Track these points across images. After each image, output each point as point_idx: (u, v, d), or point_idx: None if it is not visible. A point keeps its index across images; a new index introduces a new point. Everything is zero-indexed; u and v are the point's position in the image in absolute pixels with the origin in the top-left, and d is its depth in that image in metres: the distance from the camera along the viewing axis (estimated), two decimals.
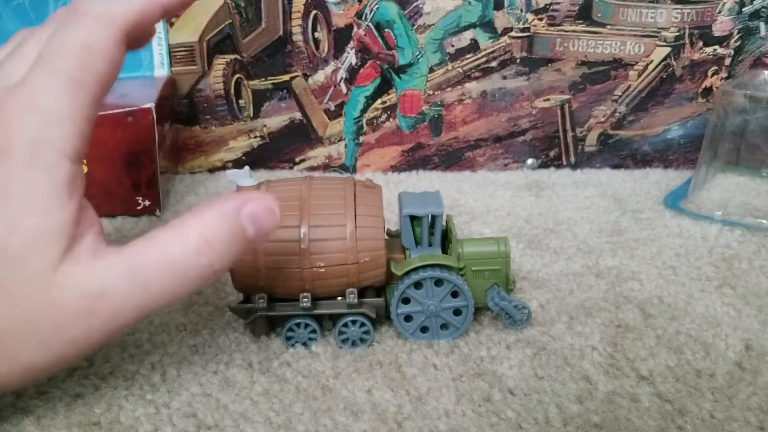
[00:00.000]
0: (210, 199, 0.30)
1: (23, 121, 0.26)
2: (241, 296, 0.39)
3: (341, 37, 0.62)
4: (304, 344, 0.38)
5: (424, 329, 0.38)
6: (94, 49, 0.28)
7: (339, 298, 0.38)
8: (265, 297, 0.37)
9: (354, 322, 0.37)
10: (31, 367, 0.28)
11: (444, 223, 0.39)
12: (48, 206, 0.27)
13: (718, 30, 0.61)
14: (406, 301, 0.37)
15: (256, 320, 0.38)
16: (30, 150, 0.26)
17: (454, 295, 0.37)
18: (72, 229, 0.27)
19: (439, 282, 0.37)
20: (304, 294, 0.36)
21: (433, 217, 0.37)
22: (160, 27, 0.61)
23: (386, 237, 0.39)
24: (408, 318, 0.38)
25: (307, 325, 0.37)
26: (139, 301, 0.28)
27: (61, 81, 0.27)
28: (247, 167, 0.38)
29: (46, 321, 0.27)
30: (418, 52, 0.62)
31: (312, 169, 0.66)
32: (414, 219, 0.37)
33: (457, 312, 0.38)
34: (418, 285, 0.37)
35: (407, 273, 0.37)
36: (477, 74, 0.63)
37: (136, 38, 0.30)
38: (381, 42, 0.62)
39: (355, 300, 0.36)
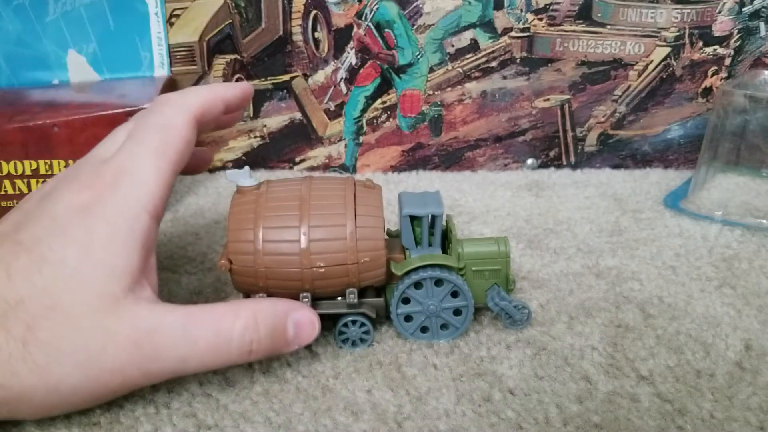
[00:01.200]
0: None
1: (117, 182, 0.32)
2: (241, 296, 0.39)
3: (341, 37, 0.62)
4: None
5: (424, 329, 0.38)
6: (172, 127, 0.34)
7: (339, 298, 0.38)
8: (265, 297, 0.37)
9: (354, 322, 0.37)
10: (58, 387, 0.29)
11: (444, 223, 0.39)
12: (123, 248, 0.31)
13: (718, 30, 0.61)
14: (406, 301, 0.37)
15: None
16: (119, 204, 0.31)
17: (454, 295, 0.37)
18: (138, 273, 0.31)
19: (439, 282, 0.37)
20: (304, 294, 0.36)
21: (433, 217, 0.37)
22: (160, 27, 0.61)
23: (386, 237, 0.39)
24: (408, 318, 0.38)
25: None
26: (183, 351, 0.31)
27: (147, 151, 0.33)
28: (247, 167, 0.38)
29: (95, 343, 0.30)
30: (418, 52, 0.62)
31: (312, 169, 0.66)
32: (414, 219, 0.37)
33: (457, 312, 0.38)
34: (418, 285, 0.37)
35: (407, 273, 0.37)
36: (477, 74, 0.63)
37: (206, 123, 0.36)
38: (381, 42, 0.62)
39: (355, 300, 0.36)
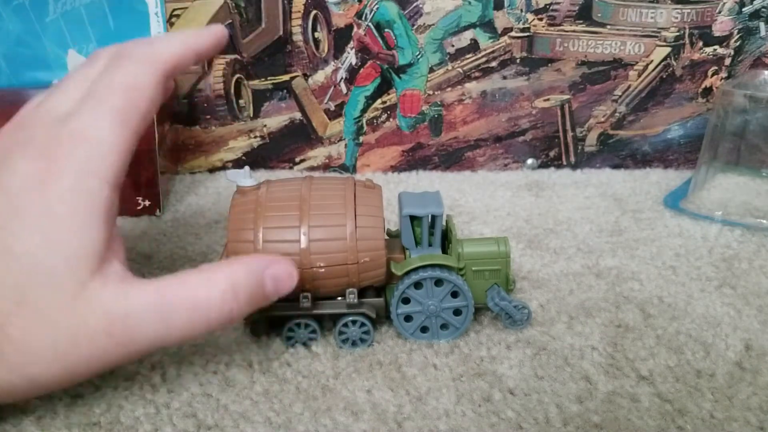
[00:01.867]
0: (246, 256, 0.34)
1: (73, 150, 0.29)
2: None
3: (341, 37, 0.62)
4: (304, 344, 0.38)
5: (424, 329, 0.38)
6: (138, 88, 0.31)
7: (339, 298, 0.38)
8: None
9: (354, 322, 0.37)
10: (36, 380, 0.29)
11: (444, 223, 0.39)
12: (84, 228, 0.29)
13: (718, 30, 0.61)
14: (406, 301, 0.37)
15: (256, 320, 0.38)
16: (77, 176, 0.29)
17: (454, 295, 0.37)
18: (103, 251, 0.29)
19: (439, 282, 0.37)
20: (304, 294, 0.36)
21: (433, 217, 0.37)
22: (160, 27, 0.61)
23: (386, 237, 0.39)
24: (408, 318, 0.38)
25: (307, 325, 0.37)
26: (159, 331, 0.30)
27: (109, 116, 0.30)
28: (247, 167, 0.38)
29: (67, 335, 0.28)
30: (418, 52, 0.62)
31: (312, 169, 0.66)
32: (414, 219, 0.37)
33: (457, 312, 0.38)
34: (418, 285, 0.37)
35: (407, 273, 0.37)
36: (477, 74, 0.63)
37: (173, 77, 0.34)
38: (381, 42, 0.62)
39: (355, 300, 0.36)
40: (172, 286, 0.30)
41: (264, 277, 0.32)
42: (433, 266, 0.37)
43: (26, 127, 0.31)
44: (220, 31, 0.35)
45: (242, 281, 0.31)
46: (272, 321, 0.38)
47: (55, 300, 0.28)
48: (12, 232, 0.28)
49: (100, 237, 0.29)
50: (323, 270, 0.36)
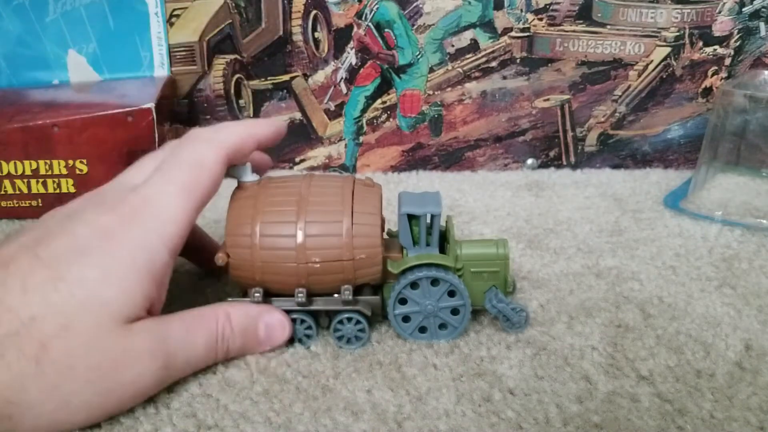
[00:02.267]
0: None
1: (141, 211, 0.32)
2: (232, 293, 0.39)
3: (341, 37, 0.62)
4: (300, 340, 0.38)
5: (422, 329, 0.38)
6: (203, 165, 0.34)
7: (335, 295, 0.38)
8: (261, 291, 0.37)
9: (349, 319, 0.37)
10: (71, 401, 0.30)
11: (443, 223, 0.39)
12: (140, 277, 0.32)
13: (718, 30, 0.61)
14: (403, 301, 0.37)
15: None
16: (142, 233, 0.32)
17: (451, 294, 0.37)
18: (150, 304, 0.32)
19: (435, 282, 0.37)
20: (299, 289, 0.37)
21: (432, 217, 0.37)
22: (160, 27, 0.61)
23: (387, 236, 0.40)
24: (406, 319, 0.38)
25: (303, 321, 0.37)
26: (188, 354, 0.33)
27: (175, 187, 0.33)
28: (248, 163, 0.38)
29: (109, 360, 0.30)
30: (418, 52, 0.62)
31: (312, 169, 0.66)
32: (412, 218, 0.37)
33: (454, 311, 0.38)
34: (414, 285, 0.37)
35: (403, 272, 0.37)
36: (477, 74, 0.63)
37: (236, 161, 0.37)
38: (381, 42, 0.62)
39: (350, 297, 0.36)
40: (193, 317, 0.34)
41: (258, 322, 0.36)
42: (429, 265, 0.37)
43: (101, 193, 0.35)
44: (282, 126, 0.39)
45: (238, 317, 0.35)
46: None
47: (102, 329, 0.30)
48: (69, 264, 0.30)
49: (152, 291, 0.32)
50: (318, 265, 0.36)
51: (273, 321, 0.36)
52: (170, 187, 0.33)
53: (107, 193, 0.35)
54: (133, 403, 0.32)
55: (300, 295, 0.36)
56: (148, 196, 0.33)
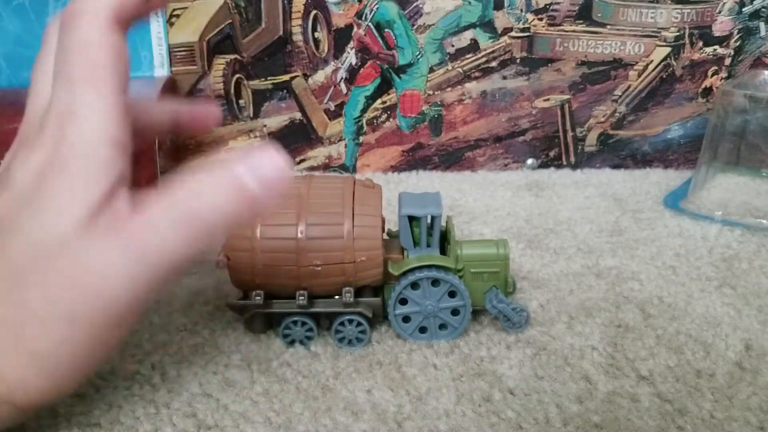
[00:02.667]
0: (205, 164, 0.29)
1: (62, 130, 0.29)
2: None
3: (341, 37, 0.62)
4: (301, 342, 0.38)
5: (422, 330, 0.38)
6: (88, 43, 0.29)
7: (336, 297, 0.38)
8: (262, 294, 0.37)
9: (351, 321, 0.37)
10: (39, 357, 0.27)
11: (444, 224, 0.39)
12: (74, 183, 0.28)
13: (718, 30, 0.61)
14: (403, 302, 0.37)
15: (253, 317, 0.38)
16: (72, 151, 0.28)
17: (452, 294, 0.37)
18: (94, 204, 0.28)
19: (435, 282, 0.37)
20: (301, 292, 0.36)
21: (432, 218, 0.37)
22: (160, 27, 0.61)
23: (387, 237, 0.40)
24: (406, 319, 0.38)
25: (304, 324, 0.37)
26: (135, 272, 0.27)
27: (78, 84, 0.29)
28: None
29: (43, 297, 0.27)
30: (418, 52, 0.62)
31: (312, 169, 0.66)
32: (413, 219, 0.37)
33: (455, 312, 0.38)
34: (415, 285, 0.37)
35: (404, 273, 0.37)
36: (477, 74, 0.63)
37: (129, 18, 0.31)
38: (381, 42, 0.62)
39: (351, 299, 0.36)
40: (138, 227, 0.28)
41: (239, 178, 0.28)
42: (430, 267, 0.37)
43: (22, 134, 0.32)
44: None
45: (208, 198, 0.28)
46: (270, 318, 0.38)
47: (32, 267, 0.27)
48: (19, 214, 0.28)
49: (91, 192, 0.28)
50: (320, 268, 0.36)
51: (261, 161, 0.28)
52: (74, 87, 0.29)
53: (26, 131, 0.31)
54: (127, 317, 0.29)
55: (301, 297, 0.36)
56: (59, 111, 0.29)
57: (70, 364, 0.29)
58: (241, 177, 0.28)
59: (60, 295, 0.27)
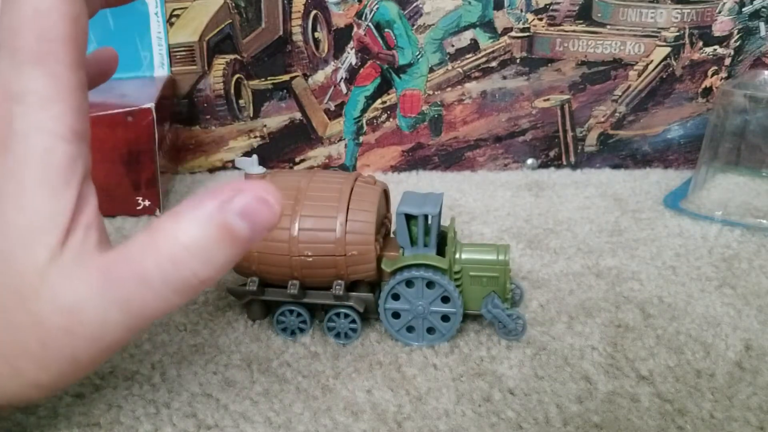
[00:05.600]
0: (197, 195, 0.24)
1: (7, 116, 0.24)
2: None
3: (341, 37, 0.62)
4: (293, 333, 0.38)
5: (410, 329, 0.38)
6: (44, 12, 0.24)
7: (331, 290, 0.38)
8: (257, 280, 0.38)
9: (343, 314, 0.38)
10: (39, 384, 0.25)
11: (443, 225, 0.39)
12: (38, 200, 0.23)
13: (718, 30, 0.61)
14: (396, 297, 0.38)
15: (250, 303, 0.39)
16: (21, 141, 0.23)
17: (445, 300, 0.37)
18: (65, 222, 0.24)
19: (431, 284, 0.37)
20: (292, 281, 0.37)
21: (430, 218, 0.37)
22: (160, 27, 0.61)
23: (392, 235, 0.40)
24: (396, 315, 0.38)
25: (299, 314, 0.38)
26: (118, 318, 0.24)
27: (26, 61, 0.24)
28: (255, 156, 0.39)
29: (35, 338, 0.24)
30: (418, 52, 0.62)
31: (312, 169, 0.66)
32: (411, 218, 0.37)
33: (445, 318, 0.38)
34: (410, 284, 0.37)
35: (396, 271, 0.37)
36: (477, 74, 0.63)
37: None
38: (381, 42, 0.62)
39: (341, 292, 0.37)
40: (118, 261, 0.24)
41: (227, 219, 0.23)
42: (421, 266, 0.37)
43: None
44: None
45: (195, 234, 0.23)
46: (268, 306, 0.39)
47: (13, 298, 0.24)
48: None
49: (56, 208, 0.24)
50: (311, 259, 0.36)
51: (251, 204, 0.24)
52: (24, 68, 0.23)
53: None
54: (93, 369, 0.27)
55: (292, 287, 0.37)
56: (5, 92, 0.24)
57: (66, 383, 0.26)
58: (236, 229, 0.24)
59: (55, 342, 0.24)
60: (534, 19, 0.61)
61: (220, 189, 0.24)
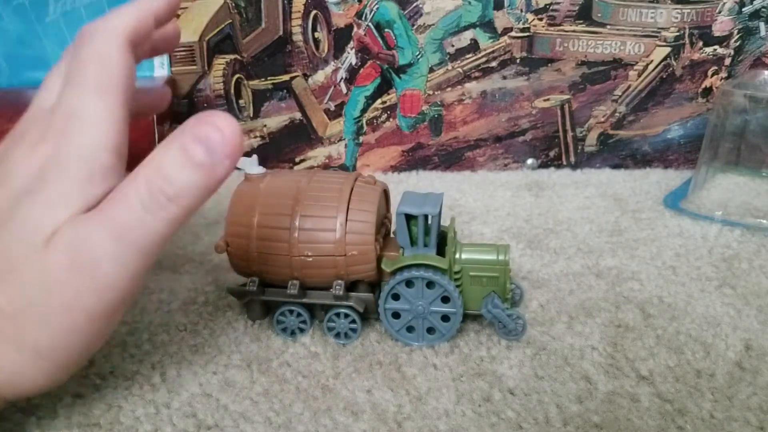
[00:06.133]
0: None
1: (66, 128, 0.30)
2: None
3: (341, 37, 0.62)
4: (293, 333, 0.38)
5: (410, 329, 0.38)
6: (104, 56, 0.31)
7: (331, 290, 0.38)
8: (256, 281, 0.38)
9: (343, 314, 0.38)
10: (41, 350, 0.28)
11: (444, 225, 0.39)
12: (73, 187, 0.29)
13: (718, 30, 0.61)
14: (396, 297, 0.38)
15: (250, 303, 0.39)
16: (73, 144, 0.29)
17: (445, 300, 0.37)
18: (89, 205, 0.29)
19: (431, 284, 0.37)
20: (292, 281, 0.37)
21: (430, 218, 0.37)
22: None
23: (392, 235, 0.40)
24: (396, 315, 0.38)
25: (299, 314, 0.38)
26: (113, 249, 0.28)
27: (89, 90, 0.30)
28: (255, 156, 0.39)
29: (39, 285, 0.27)
30: (418, 52, 0.62)
31: (312, 169, 0.66)
32: (411, 218, 0.37)
33: (445, 318, 0.37)
34: (410, 284, 0.37)
35: (396, 271, 0.37)
36: (477, 74, 0.63)
37: (140, 44, 0.33)
38: (381, 42, 0.62)
39: (341, 292, 0.37)
40: (111, 205, 0.29)
41: (183, 143, 0.28)
42: (421, 266, 0.37)
43: (22, 129, 0.32)
44: None
45: (163, 164, 0.29)
46: (267, 306, 0.39)
47: (28, 253, 0.28)
48: (18, 206, 0.29)
49: (88, 195, 0.29)
50: (311, 259, 0.36)
51: (203, 129, 0.28)
52: (84, 92, 0.30)
53: (28, 125, 0.32)
54: (121, 303, 0.29)
55: (292, 287, 0.37)
56: (67, 110, 0.30)
57: (66, 356, 0.29)
58: (191, 152, 0.28)
59: (57, 285, 0.28)
60: (534, 19, 0.61)
61: (190, 120, 0.29)
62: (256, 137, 0.65)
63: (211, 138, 0.28)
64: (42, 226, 0.28)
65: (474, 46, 0.62)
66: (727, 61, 0.62)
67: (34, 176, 0.29)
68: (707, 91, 0.63)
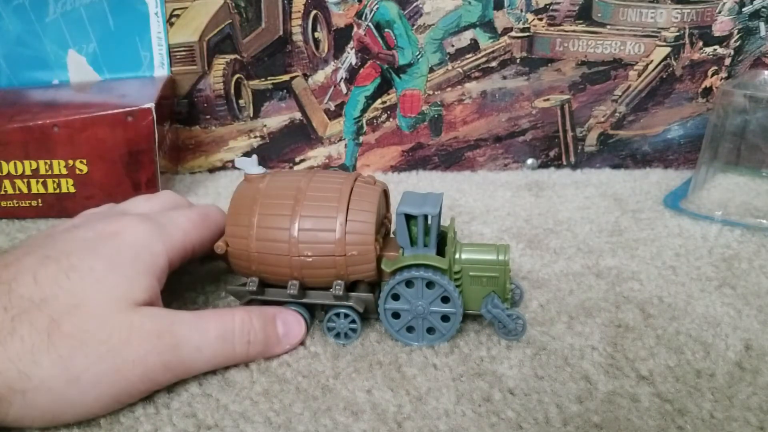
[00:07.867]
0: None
1: (143, 221, 0.36)
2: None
3: (341, 37, 0.62)
4: None
5: (410, 329, 0.38)
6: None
7: (330, 290, 0.38)
8: (256, 281, 0.38)
9: (343, 314, 0.38)
10: (81, 377, 0.30)
11: (445, 225, 0.39)
12: (144, 270, 0.34)
13: (718, 30, 0.61)
14: (395, 297, 0.37)
15: (249, 303, 0.39)
16: (146, 237, 0.36)
17: (445, 300, 0.37)
18: (154, 296, 0.34)
19: (431, 284, 0.37)
20: (292, 281, 0.37)
21: (430, 218, 0.37)
22: (160, 27, 0.61)
23: (392, 235, 0.40)
24: (396, 315, 0.38)
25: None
26: (197, 340, 0.34)
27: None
28: (255, 156, 0.39)
29: (119, 335, 0.31)
30: (418, 52, 0.62)
31: (312, 169, 0.66)
32: (411, 219, 0.37)
33: (445, 318, 0.37)
34: (409, 284, 0.37)
35: (395, 271, 0.37)
36: (477, 74, 0.63)
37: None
38: (381, 42, 0.62)
39: (341, 292, 0.37)
40: (203, 311, 0.36)
41: (276, 318, 0.37)
42: (422, 266, 0.37)
43: (103, 211, 0.40)
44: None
45: (257, 314, 0.36)
46: (266, 305, 0.39)
47: (111, 308, 0.32)
48: (80, 257, 0.33)
49: (155, 284, 0.34)
50: (311, 259, 0.36)
51: (289, 318, 0.37)
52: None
53: (110, 211, 0.39)
54: (142, 388, 0.32)
55: (292, 287, 0.37)
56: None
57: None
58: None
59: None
60: (534, 19, 0.61)
61: (277, 307, 0.38)
62: (256, 137, 0.65)
63: (294, 331, 0.37)
64: (122, 288, 0.33)
65: (474, 46, 0.62)
66: (727, 61, 0.62)
67: (105, 242, 0.35)
68: (707, 91, 0.63)
